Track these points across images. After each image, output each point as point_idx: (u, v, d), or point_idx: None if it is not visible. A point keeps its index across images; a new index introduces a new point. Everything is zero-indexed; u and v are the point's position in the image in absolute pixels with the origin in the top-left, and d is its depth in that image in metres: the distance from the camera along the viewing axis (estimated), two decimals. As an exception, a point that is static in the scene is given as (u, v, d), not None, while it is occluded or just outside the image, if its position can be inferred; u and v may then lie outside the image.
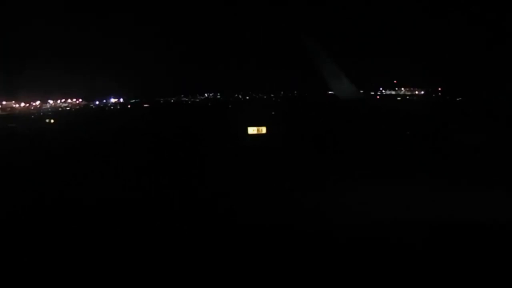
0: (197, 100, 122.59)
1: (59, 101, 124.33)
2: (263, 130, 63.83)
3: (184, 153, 50.82)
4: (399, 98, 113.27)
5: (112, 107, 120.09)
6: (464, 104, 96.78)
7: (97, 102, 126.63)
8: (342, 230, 22.99)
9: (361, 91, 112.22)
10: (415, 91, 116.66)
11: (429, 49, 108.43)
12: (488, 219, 24.22)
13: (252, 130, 63.51)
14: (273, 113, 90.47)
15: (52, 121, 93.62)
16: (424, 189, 30.42)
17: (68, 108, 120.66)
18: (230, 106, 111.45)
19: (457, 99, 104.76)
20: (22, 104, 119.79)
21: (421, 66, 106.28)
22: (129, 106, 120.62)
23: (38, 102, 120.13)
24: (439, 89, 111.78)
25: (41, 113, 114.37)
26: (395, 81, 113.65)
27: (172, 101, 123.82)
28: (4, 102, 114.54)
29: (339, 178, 35.33)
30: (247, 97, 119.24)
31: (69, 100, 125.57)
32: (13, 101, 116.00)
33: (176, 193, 31.34)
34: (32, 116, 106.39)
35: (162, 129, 71.36)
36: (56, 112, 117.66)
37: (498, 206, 26.45)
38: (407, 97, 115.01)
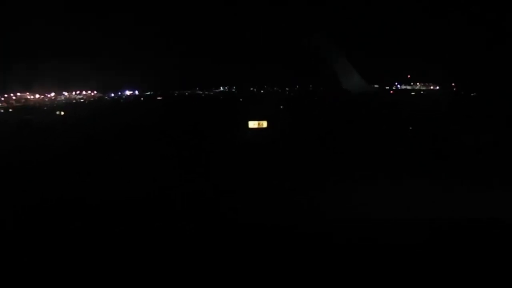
0: (211, 93, 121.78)
1: (74, 93, 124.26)
2: (264, 124, 63.80)
3: (183, 148, 50.84)
4: (413, 93, 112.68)
5: (126, 99, 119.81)
6: (477, 100, 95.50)
7: (112, 94, 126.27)
8: (341, 230, 23.03)
9: (376, 86, 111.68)
10: (430, 86, 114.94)
11: (444, 43, 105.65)
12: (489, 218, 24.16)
13: (253, 124, 63.76)
14: (281, 107, 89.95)
15: (62, 113, 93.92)
16: (421, 189, 30.22)
17: (82, 100, 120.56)
18: (241, 99, 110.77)
19: (472, 94, 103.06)
20: (37, 96, 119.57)
21: (436, 61, 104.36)
22: (142, 98, 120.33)
23: (52, 94, 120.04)
24: (453, 84, 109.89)
25: (54, 105, 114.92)
26: (408, 76, 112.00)
27: (186, 94, 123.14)
28: (18, 94, 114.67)
29: (332, 176, 35.18)
30: (262, 91, 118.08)
31: (84, 92, 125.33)
32: (27, 93, 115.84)
33: (171, 191, 31.50)
34: (45, 108, 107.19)
35: (166, 123, 70.98)
36: (69, 104, 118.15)
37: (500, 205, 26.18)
38: (421, 92, 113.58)
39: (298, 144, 51.45)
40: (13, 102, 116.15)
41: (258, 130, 63.55)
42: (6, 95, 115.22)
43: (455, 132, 54.49)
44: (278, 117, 68.62)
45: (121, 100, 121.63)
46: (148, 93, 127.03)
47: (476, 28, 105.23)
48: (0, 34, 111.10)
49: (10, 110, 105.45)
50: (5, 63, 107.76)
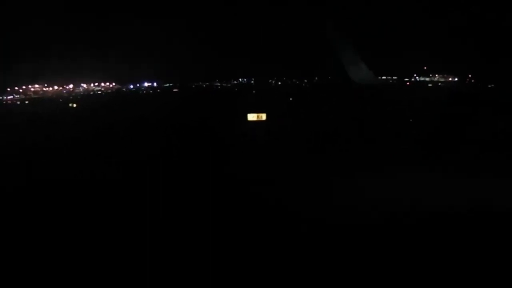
0: (229, 85, 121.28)
1: (92, 85, 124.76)
2: (263, 117, 63.86)
3: (181, 141, 50.87)
4: (430, 85, 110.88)
5: (144, 92, 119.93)
6: (493, 92, 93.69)
7: (131, 86, 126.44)
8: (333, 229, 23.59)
9: (389, 78, 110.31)
10: (448, 78, 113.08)
11: (462, 35, 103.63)
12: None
13: (252, 117, 63.70)
14: (290, 99, 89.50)
15: (74, 105, 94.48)
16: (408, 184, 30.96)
17: (99, 92, 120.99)
18: (254, 91, 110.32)
19: (489, 86, 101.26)
20: (56, 87, 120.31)
21: (455, 53, 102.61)
22: (158, 90, 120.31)
23: (71, 86, 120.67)
24: (469, 76, 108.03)
25: (71, 97, 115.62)
26: (425, 68, 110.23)
27: (204, 86, 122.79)
28: (36, 86, 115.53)
29: (319, 173, 35.09)
30: (279, 83, 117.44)
31: (102, 84, 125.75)
32: (45, 84, 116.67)
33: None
34: (60, 100, 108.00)
35: (172, 117, 70.91)
36: (86, 96, 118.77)
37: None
38: (439, 84, 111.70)
39: (296, 139, 51.12)
40: (31, 93, 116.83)
41: (257, 122, 63.23)
42: (24, 87, 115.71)
43: (456, 124, 53.72)
44: (280, 110, 68.08)
45: (140, 92, 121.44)
46: (167, 85, 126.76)
47: (493, 19, 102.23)
48: (20, 26, 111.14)
49: (26, 102, 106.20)
50: (25, 55, 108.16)
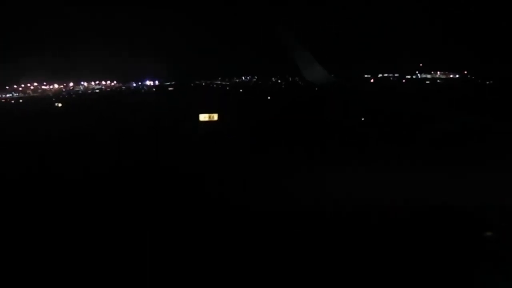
0: (228, 83, 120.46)
1: (92, 83, 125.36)
2: (215, 117, 62.87)
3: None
4: (428, 82, 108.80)
5: (142, 90, 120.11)
6: (485, 88, 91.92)
7: (134, 84, 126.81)
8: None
9: (390, 75, 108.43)
10: (449, 75, 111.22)
11: (463, 32, 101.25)
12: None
13: (203, 117, 62.91)
14: (269, 97, 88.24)
15: (59, 105, 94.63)
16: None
17: (97, 91, 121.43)
18: (241, 90, 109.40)
19: (487, 82, 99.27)
20: (56, 86, 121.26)
21: (455, 49, 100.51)
22: (154, 89, 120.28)
23: (71, 84, 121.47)
24: (465, 72, 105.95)
25: (66, 95, 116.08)
26: (420, 65, 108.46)
27: (203, 84, 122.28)
28: (35, 84, 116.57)
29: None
30: (279, 81, 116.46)
31: (103, 82, 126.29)
32: (44, 82, 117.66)
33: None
34: (53, 99, 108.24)
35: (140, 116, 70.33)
36: (83, 94, 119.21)
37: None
38: (438, 81, 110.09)
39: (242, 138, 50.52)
40: (30, 92, 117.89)
41: (209, 123, 62.43)
42: (23, 85, 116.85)
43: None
44: (238, 110, 67.12)
45: (142, 91, 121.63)
46: (169, 83, 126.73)
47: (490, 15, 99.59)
48: (21, 25, 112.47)
49: (20, 100, 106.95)
50: (28, 53, 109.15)
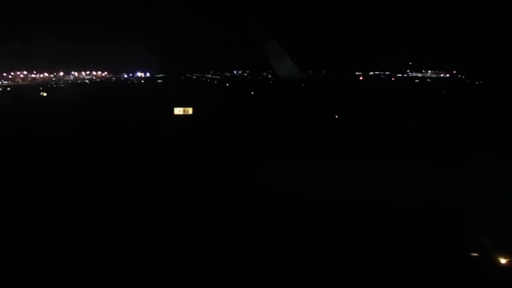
0: (218, 77, 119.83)
1: (83, 73, 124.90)
2: (190, 111, 62.73)
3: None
4: (417, 81, 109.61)
5: (129, 82, 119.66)
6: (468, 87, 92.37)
7: (125, 76, 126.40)
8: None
9: (381, 73, 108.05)
10: (440, 73, 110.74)
11: (454, 30, 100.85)
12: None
13: (178, 111, 62.72)
14: (252, 93, 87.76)
15: (45, 94, 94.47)
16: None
17: (86, 81, 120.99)
18: (227, 84, 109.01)
19: (476, 82, 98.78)
20: (46, 75, 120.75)
21: (449, 49, 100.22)
22: (142, 81, 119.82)
23: (61, 73, 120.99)
24: (454, 72, 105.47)
25: (54, 85, 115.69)
26: (410, 63, 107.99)
27: (194, 77, 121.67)
28: (25, 72, 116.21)
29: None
30: (269, 76, 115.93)
31: (93, 72, 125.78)
32: (34, 71, 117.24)
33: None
34: (41, 88, 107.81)
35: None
36: (70, 84, 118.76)
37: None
38: (428, 80, 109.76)
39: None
40: (20, 80, 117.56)
41: (183, 116, 62.28)
42: (12, 73, 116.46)
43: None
44: (214, 104, 66.74)
45: (129, 82, 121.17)
46: (159, 75, 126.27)
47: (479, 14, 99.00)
48: (16, 13, 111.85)
49: (8, 89, 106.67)
50: (19, 42, 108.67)
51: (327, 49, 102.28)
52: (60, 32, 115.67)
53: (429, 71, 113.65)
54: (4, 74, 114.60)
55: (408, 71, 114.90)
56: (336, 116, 58.62)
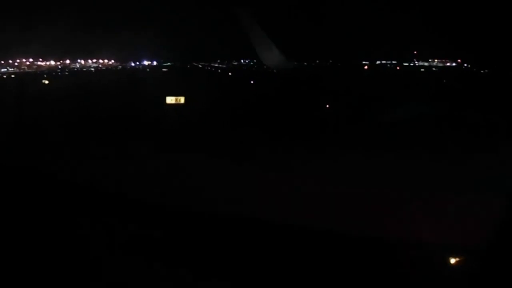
0: (224, 66, 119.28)
1: (90, 61, 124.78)
2: (182, 100, 63.17)
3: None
4: (422, 70, 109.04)
5: (133, 70, 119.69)
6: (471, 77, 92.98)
7: (132, 64, 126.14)
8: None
9: (388, 62, 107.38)
10: (446, 62, 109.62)
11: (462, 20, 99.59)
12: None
13: (170, 100, 63.15)
14: (252, 82, 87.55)
15: (46, 82, 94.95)
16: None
17: (92, 69, 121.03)
18: (230, 73, 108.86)
19: (481, 71, 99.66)
20: (53, 62, 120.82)
21: (453, 37, 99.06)
22: (148, 69, 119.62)
23: (67, 61, 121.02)
24: (459, 61, 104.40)
25: (59, 73, 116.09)
26: (415, 52, 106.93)
27: (199, 66, 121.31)
28: (31, 59, 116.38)
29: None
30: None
31: (100, 61, 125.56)
32: (40, 59, 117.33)
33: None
34: (45, 75, 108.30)
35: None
36: (76, 72, 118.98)
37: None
38: (433, 69, 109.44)
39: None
40: (25, 67, 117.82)
41: (175, 105, 62.67)
42: (18, 60, 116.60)
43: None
44: (208, 93, 66.93)
45: (132, 70, 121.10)
46: (167, 64, 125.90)
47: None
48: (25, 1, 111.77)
49: (13, 76, 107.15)
50: (26, 29, 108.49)
51: (331, 38, 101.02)
52: (68, 20, 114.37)
53: (436, 60, 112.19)
54: (10, 61, 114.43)
55: (415, 60, 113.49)
56: (327, 106, 58.64)
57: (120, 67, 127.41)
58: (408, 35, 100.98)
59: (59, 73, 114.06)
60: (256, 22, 63.75)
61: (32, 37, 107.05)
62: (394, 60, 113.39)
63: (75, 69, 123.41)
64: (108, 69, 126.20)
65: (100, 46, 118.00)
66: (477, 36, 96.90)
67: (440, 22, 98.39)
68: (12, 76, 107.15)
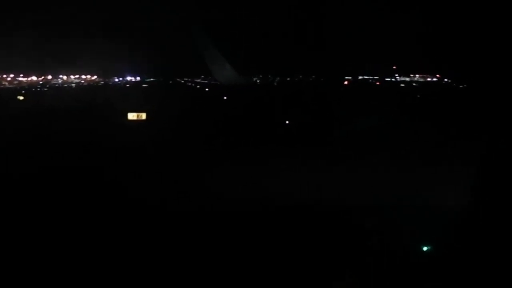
0: (206, 81, 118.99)
1: (72, 77, 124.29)
2: (143, 116, 62.88)
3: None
4: (402, 85, 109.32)
5: (111, 85, 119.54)
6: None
7: (116, 80, 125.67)
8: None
9: (370, 78, 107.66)
10: (427, 77, 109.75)
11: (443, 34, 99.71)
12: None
13: (132, 116, 62.81)
14: (224, 98, 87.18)
15: (21, 98, 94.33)
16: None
17: (73, 85, 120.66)
18: (207, 89, 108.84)
19: (460, 86, 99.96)
20: (34, 78, 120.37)
21: (436, 52, 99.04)
22: (127, 85, 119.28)
23: (49, 77, 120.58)
24: (437, 76, 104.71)
25: (38, 88, 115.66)
26: (394, 67, 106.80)
27: (182, 81, 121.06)
28: (11, 75, 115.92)
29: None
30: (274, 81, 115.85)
31: (83, 76, 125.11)
32: (21, 75, 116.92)
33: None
34: (23, 91, 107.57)
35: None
36: (55, 88, 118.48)
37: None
38: (413, 84, 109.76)
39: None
40: (6, 83, 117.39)
41: (136, 121, 62.34)
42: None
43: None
44: (170, 109, 66.87)
45: (110, 86, 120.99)
46: (149, 79, 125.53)
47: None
48: (6, 13, 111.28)
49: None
50: (12, 43, 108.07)
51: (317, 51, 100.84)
52: (53, 35, 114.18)
53: (417, 75, 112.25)
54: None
55: (395, 75, 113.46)
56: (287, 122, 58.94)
57: (102, 82, 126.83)
58: (390, 49, 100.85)
59: (38, 89, 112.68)
60: (208, 39, 64.33)
61: (14, 52, 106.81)
62: (376, 76, 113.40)
63: (56, 85, 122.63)
64: (90, 84, 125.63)
65: (84, 61, 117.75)
66: (458, 52, 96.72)
67: (423, 37, 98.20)
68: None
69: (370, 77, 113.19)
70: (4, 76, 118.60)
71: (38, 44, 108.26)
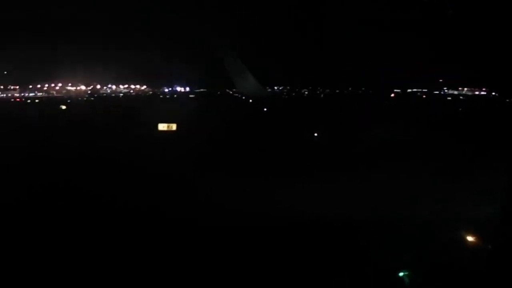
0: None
1: (121, 86, 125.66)
2: (173, 127, 63.34)
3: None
4: (449, 98, 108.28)
5: (159, 96, 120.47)
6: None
7: (165, 90, 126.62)
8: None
9: (419, 90, 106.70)
10: (475, 91, 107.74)
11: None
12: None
13: (162, 127, 63.29)
14: (265, 109, 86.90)
15: (64, 107, 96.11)
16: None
17: (121, 95, 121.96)
18: (250, 100, 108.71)
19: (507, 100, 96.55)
20: (83, 87, 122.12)
21: (484, 66, 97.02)
22: (175, 95, 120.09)
23: (98, 86, 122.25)
24: (484, 89, 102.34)
25: (85, 98, 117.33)
26: (440, 80, 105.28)
27: (230, 92, 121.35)
28: (60, 84, 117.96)
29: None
30: (292, 93, 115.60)
31: (132, 86, 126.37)
32: (70, 84, 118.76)
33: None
34: (69, 101, 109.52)
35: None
36: (102, 98, 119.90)
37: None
38: (460, 97, 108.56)
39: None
40: (54, 92, 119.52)
41: (167, 132, 62.78)
42: (47, 85, 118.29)
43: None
44: (201, 121, 67.16)
45: (159, 96, 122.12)
46: (197, 90, 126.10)
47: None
48: (56, 27, 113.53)
49: (37, 100, 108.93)
50: (58, 53, 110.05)
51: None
52: (103, 45, 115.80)
53: (465, 89, 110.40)
54: (38, 86, 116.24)
55: (444, 88, 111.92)
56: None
57: (151, 92, 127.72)
58: (443, 64, 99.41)
59: (85, 98, 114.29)
60: (232, 51, 64.50)
61: (64, 61, 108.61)
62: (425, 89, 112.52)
63: (104, 94, 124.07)
64: (137, 94, 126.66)
65: (134, 71, 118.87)
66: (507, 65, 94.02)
67: (472, 51, 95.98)
68: (36, 100, 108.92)
69: (419, 90, 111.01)
70: (53, 85, 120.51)
71: (88, 53, 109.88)
